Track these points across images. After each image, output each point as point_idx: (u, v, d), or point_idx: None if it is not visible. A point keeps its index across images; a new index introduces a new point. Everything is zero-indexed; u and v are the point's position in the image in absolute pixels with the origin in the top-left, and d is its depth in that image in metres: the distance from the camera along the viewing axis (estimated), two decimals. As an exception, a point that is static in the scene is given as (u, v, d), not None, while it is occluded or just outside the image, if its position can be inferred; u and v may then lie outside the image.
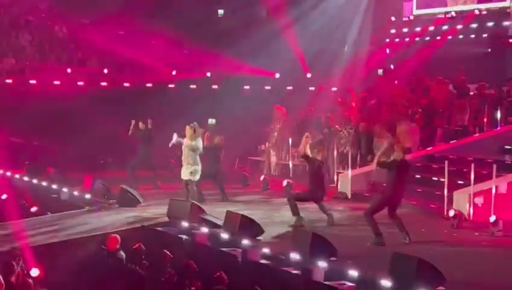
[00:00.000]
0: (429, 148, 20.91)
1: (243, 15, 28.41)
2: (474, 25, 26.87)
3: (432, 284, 11.06)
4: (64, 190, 19.62)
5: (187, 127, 18.00)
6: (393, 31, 29.45)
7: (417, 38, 28.57)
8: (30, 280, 11.97)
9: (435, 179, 18.40)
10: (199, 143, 17.97)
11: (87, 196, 18.93)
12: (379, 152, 15.53)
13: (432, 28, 28.12)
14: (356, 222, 16.59)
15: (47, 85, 25.38)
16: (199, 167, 17.91)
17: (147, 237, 15.36)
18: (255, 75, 27.16)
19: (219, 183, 19.14)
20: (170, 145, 18.85)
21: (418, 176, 19.34)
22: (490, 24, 26.48)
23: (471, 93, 23.24)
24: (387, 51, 29.23)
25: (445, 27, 27.76)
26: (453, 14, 27.17)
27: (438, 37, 27.76)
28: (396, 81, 26.62)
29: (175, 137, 18.65)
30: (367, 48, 28.93)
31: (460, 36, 27.20)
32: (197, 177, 17.94)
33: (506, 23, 25.90)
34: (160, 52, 27.11)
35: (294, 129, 23.62)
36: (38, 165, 22.05)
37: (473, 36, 26.93)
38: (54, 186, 20.13)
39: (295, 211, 16.23)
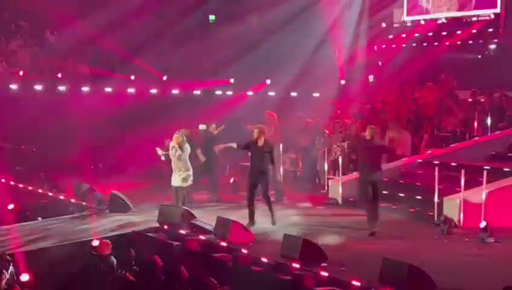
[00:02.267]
0: (419, 154, 20.97)
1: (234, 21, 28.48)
2: (465, 31, 26.94)
3: (422, 290, 11.10)
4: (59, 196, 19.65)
5: (175, 135, 17.88)
6: (384, 37, 29.52)
7: (407, 44, 28.65)
8: (18, 286, 11.96)
9: (425, 184, 18.43)
10: (188, 150, 17.86)
11: (78, 201, 18.93)
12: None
13: (422, 34, 28.19)
14: (347, 228, 16.60)
15: (37, 91, 25.35)
16: (191, 172, 17.86)
17: (138, 243, 15.36)
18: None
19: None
20: (163, 158, 18.61)
21: (409, 182, 19.41)
22: (481, 30, 26.54)
23: (469, 100, 23.36)
24: (378, 56, 29.30)
25: (436, 33, 27.83)
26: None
27: (428, 43, 27.85)
28: (387, 88, 26.67)
29: (160, 152, 18.41)
30: (358, 54, 29.00)
31: (451, 42, 27.27)
32: (189, 183, 17.87)
33: (496, 29, 25.97)
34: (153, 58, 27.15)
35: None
36: (28, 171, 21.99)
37: (463, 42, 27.00)
38: (45, 192, 20.13)
39: (251, 216, 16.48)
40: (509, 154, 19.80)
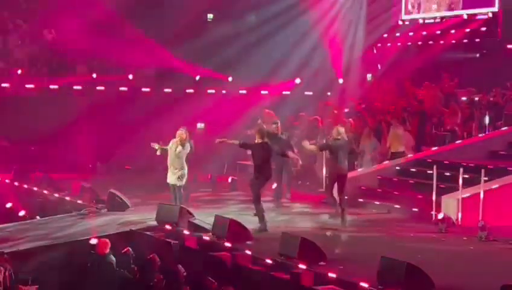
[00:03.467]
0: (418, 153, 20.96)
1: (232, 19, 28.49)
2: (463, 30, 26.93)
3: (420, 289, 11.09)
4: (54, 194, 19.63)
5: (179, 131, 17.73)
6: (382, 35, 29.51)
7: (405, 43, 28.65)
8: (20, 285, 11.95)
9: (424, 183, 18.44)
10: (188, 148, 17.75)
11: (76, 200, 18.94)
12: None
13: (421, 33, 28.19)
14: (345, 226, 16.60)
15: (35, 89, 25.34)
16: (186, 171, 17.76)
17: (136, 241, 15.34)
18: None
19: None
20: (158, 152, 18.38)
21: (407, 180, 19.41)
22: (479, 29, 26.54)
23: (464, 98, 23.37)
24: (376, 55, 29.29)
25: (434, 32, 27.82)
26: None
27: (427, 42, 27.85)
28: (386, 87, 26.67)
29: (156, 146, 18.12)
30: (357, 53, 29.01)
31: (449, 41, 27.26)
32: (184, 181, 17.79)
33: (494, 28, 25.96)
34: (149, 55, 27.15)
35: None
36: (26, 169, 21.98)
37: (461, 41, 26.99)
38: (42, 190, 20.13)
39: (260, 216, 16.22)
40: (508, 153, 19.82)
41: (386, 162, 20.62)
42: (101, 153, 24.00)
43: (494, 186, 16.80)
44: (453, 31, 27.04)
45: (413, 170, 19.81)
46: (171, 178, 17.64)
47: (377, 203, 18.79)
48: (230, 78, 28.14)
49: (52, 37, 27.99)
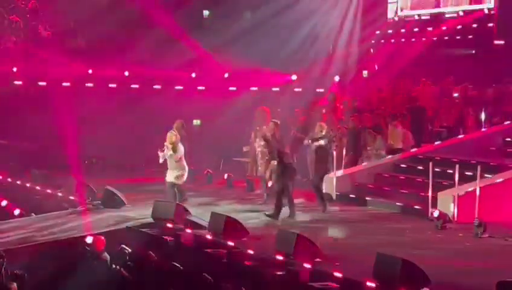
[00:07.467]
0: (414, 149, 20.97)
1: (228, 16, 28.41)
2: (459, 27, 26.95)
3: (416, 286, 11.10)
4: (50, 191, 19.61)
5: (168, 134, 17.53)
6: (378, 32, 29.50)
7: (400, 40, 28.65)
8: (14, 284, 11.93)
9: (420, 180, 18.45)
10: (180, 150, 17.52)
11: (72, 197, 18.92)
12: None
13: (416, 29, 28.20)
14: (341, 223, 16.62)
15: (31, 86, 25.29)
16: (185, 172, 17.65)
17: (132, 238, 15.33)
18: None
19: None
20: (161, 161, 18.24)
21: (403, 177, 19.42)
22: (475, 25, 26.56)
23: (456, 94, 23.37)
24: (372, 51, 29.29)
25: (430, 28, 27.84)
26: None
27: (422, 38, 27.84)
28: (381, 83, 26.66)
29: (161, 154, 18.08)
30: (353, 49, 28.99)
31: (445, 37, 27.28)
32: (182, 181, 17.67)
33: (490, 24, 25.98)
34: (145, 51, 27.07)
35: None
36: (22, 166, 21.94)
37: (457, 37, 27.01)
38: (38, 188, 20.10)
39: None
40: (504, 149, 19.83)
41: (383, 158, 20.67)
42: (96, 149, 23.98)
43: (490, 183, 16.82)
44: (447, 28, 27.06)
45: (410, 166, 19.81)
46: (169, 177, 17.56)
47: (374, 199, 18.80)
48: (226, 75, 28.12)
49: (48, 34, 27.93)
